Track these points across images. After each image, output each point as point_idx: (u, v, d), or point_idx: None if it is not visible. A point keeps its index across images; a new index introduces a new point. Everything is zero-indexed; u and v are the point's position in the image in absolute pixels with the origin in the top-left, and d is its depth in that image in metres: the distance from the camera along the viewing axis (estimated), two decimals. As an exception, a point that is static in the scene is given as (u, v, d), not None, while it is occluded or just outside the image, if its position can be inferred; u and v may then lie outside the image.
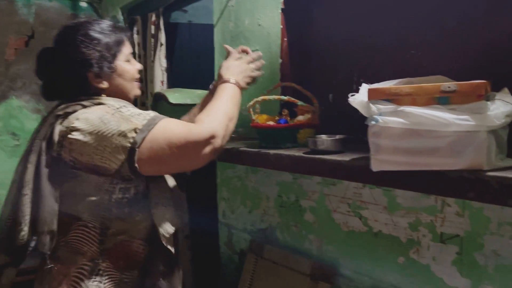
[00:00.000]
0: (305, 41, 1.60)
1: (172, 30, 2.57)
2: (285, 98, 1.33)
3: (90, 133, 1.03)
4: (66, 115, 1.07)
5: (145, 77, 2.45)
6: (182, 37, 2.65)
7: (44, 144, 1.05)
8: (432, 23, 1.21)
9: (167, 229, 1.11)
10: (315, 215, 1.49)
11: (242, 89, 1.23)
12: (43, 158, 1.04)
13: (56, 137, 1.05)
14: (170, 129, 1.03)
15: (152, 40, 2.33)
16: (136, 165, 1.01)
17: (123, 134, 1.01)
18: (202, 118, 1.08)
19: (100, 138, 1.02)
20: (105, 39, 1.16)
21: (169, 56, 2.40)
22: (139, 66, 1.26)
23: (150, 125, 1.02)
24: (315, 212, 1.48)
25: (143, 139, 1.01)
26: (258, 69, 1.33)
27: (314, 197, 1.48)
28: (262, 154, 1.26)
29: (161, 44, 2.29)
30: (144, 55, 2.48)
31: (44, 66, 1.17)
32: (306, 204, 1.52)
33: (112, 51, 1.17)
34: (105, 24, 1.19)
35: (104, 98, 1.14)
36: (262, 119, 1.38)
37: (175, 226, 1.15)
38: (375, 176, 0.92)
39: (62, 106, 1.10)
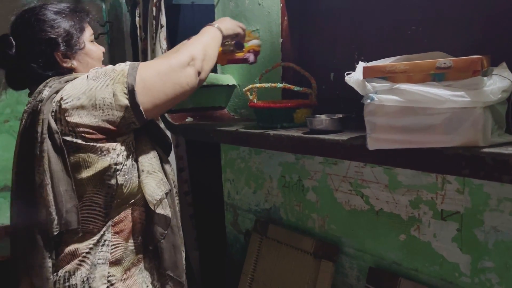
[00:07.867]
0: (305, 20, 1.57)
1: (175, 11, 2.55)
2: (281, 85, 1.31)
3: (83, 93, 1.03)
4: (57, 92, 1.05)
5: (146, 59, 2.43)
6: (185, 18, 2.62)
7: (45, 129, 1.02)
8: (433, -2, 1.19)
9: (153, 195, 1.12)
10: (317, 195, 1.49)
11: (223, 35, 1.29)
12: (48, 141, 1.02)
13: (51, 117, 1.03)
14: (152, 64, 1.10)
15: (154, 22, 2.31)
16: (140, 106, 1.04)
17: (116, 81, 1.04)
18: (179, 49, 1.21)
19: (95, 93, 1.03)
20: (66, 18, 1.15)
21: (172, 38, 2.38)
22: (103, 48, 1.25)
23: (134, 67, 1.07)
24: (318, 191, 1.49)
25: (135, 79, 1.04)
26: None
27: (316, 177, 1.48)
28: (262, 135, 1.26)
29: (162, 26, 2.27)
30: (144, 38, 2.46)
31: (5, 53, 1.11)
32: (308, 183, 1.52)
33: (76, 30, 1.15)
34: (63, 5, 1.18)
35: (78, 74, 1.13)
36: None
37: (162, 190, 1.15)
38: (372, 154, 0.92)
39: (47, 89, 1.06)
